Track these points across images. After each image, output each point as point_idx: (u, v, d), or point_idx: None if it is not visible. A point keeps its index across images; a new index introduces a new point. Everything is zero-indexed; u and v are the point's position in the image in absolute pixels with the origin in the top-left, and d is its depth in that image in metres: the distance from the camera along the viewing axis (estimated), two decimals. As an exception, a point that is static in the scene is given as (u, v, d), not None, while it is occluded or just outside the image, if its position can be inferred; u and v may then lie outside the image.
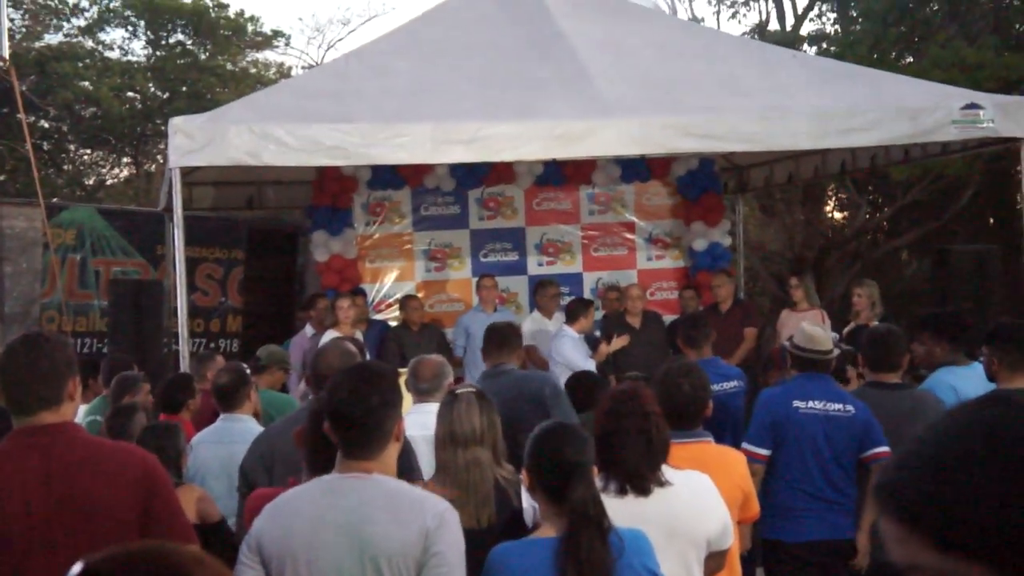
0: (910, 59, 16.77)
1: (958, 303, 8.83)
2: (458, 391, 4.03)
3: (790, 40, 16.80)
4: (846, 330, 8.92)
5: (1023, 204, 8.81)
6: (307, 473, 3.26)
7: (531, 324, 10.21)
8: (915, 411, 5.36)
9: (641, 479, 3.48)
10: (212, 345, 12.24)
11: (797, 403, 5.38)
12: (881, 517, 1.19)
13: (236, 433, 5.23)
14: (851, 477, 5.31)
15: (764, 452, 5.27)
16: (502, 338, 6.21)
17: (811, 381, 5.45)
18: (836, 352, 5.72)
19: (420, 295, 10.91)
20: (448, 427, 3.93)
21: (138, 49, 23.34)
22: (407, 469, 3.68)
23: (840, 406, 5.33)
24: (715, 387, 5.39)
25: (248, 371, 5.65)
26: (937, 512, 1.12)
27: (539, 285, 10.65)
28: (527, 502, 4.01)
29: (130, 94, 22.34)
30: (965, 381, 5.78)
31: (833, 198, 20.27)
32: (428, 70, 8.86)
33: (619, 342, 9.39)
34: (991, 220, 18.28)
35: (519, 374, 6.08)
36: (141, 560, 1.39)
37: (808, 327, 5.71)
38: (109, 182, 23.84)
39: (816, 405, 5.37)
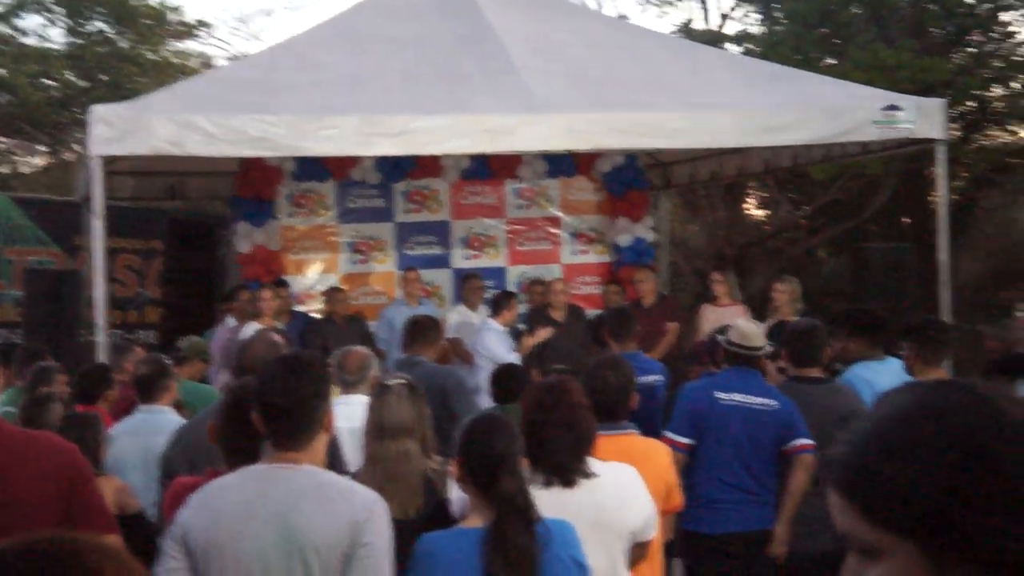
0: (831, 61, 17.06)
1: (874, 300, 9.00)
2: (389, 382, 4.03)
3: (715, 39, 16.98)
4: (765, 325, 9.03)
5: (937, 204, 8.98)
6: (226, 467, 3.23)
7: (456, 317, 10.23)
8: (837, 404, 5.47)
9: (567, 471, 3.50)
10: (130, 336, 12.01)
11: (719, 394, 5.47)
12: (828, 486, 1.24)
13: (155, 425, 5.16)
14: (772, 469, 5.39)
15: (685, 441, 5.34)
16: (417, 330, 6.31)
17: (737, 374, 5.55)
18: (769, 350, 5.79)
19: (344, 287, 10.84)
20: (378, 418, 3.93)
21: (56, 37, 22.80)
22: (333, 461, 3.66)
23: (763, 400, 5.41)
24: (638, 380, 5.44)
25: (168, 362, 5.57)
26: (874, 487, 1.16)
27: (464, 278, 10.67)
28: (455, 493, 4.02)
29: (47, 82, 21.83)
30: (880, 375, 5.91)
31: (754, 196, 20.56)
32: (356, 63, 8.80)
33: (542, 334, 9.43)
34: (904, 220, 18.67)
35: (429, 367, 6.15)
36: (45, 551, 1.36)
37: (743, 324, 5.82)
38: (25, 171, 23.29)
39: (737, 397, 5.46)
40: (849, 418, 5.37)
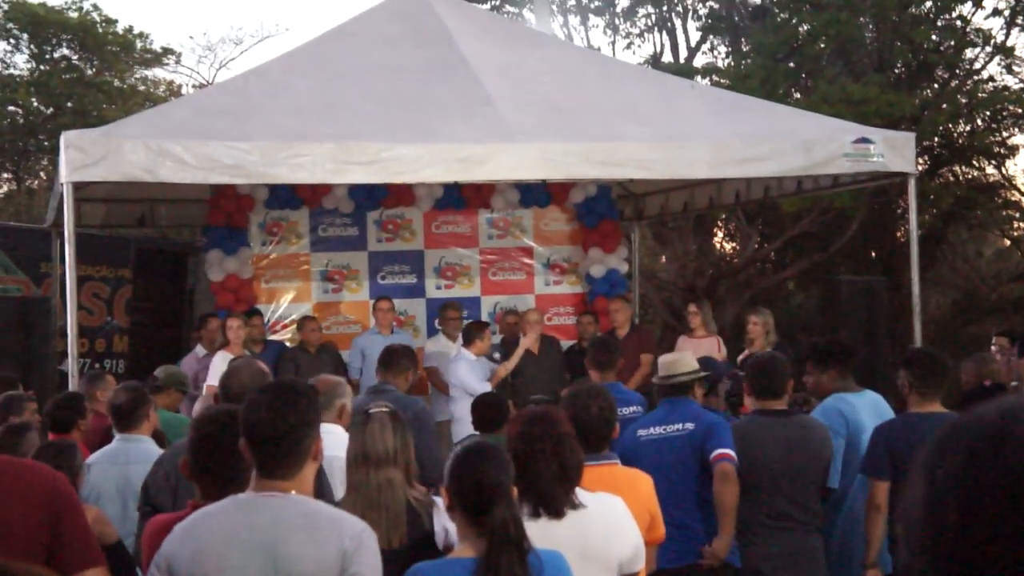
0: (798, 95, 17.23)
1: (847, 333, 9.04)
2: (371, 411, 3.98)
3: (684, 72, 17.09)
4: (740, 358, 9.06)
5: (910, 236, 9.05)
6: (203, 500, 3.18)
7: (433, 347, 10.20)
8: (803, 438, 5.45)
9: (555, 501, 3.46)
10: (97, 365, 11.87)
11: (640, 432, 5.49)
12: None
13: (133, 454, 5.08)
14: (693, 496, 5.31)
15: None
16: (390, 358, 6.30)
17: (664, 407, 5.57)
18: (693, 375, 5.73)
19: (316, 316, 10.77)
20: (361, 447, 3.88)
21: (21, 63, 22.63)
22: (321, 490, 3.61)
23: (679, 426, 5.40)
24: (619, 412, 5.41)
25: (147, 391, 5.49)
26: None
27: (442, 308, 10.66)
28: (438, 524, 3.97)
29: (12, 108, 21.67)
30: (854, 408, 5.92)
31: (723, 228, 20.67)
32: (329, 90, 8.78)
33: (512, 361, 9.42)
34: (872, 253, 18.83)
35: (396, 395, 6.08)
36: None
37: (665, 357, 5.82)
38: (-11, 198, 23.07)
39: (656, 430, 5.46)
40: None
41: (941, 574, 1.11)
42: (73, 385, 7.03)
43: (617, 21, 20.58)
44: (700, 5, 19.92)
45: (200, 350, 9.99)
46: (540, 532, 3.21)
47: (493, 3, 19.32)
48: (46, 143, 21.09)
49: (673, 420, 5.47)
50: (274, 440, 2.84)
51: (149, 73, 24.65)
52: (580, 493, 3.54)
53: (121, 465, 5.05)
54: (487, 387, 8.61)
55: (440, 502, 3.68)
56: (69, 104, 21.35)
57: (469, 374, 9.00)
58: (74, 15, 22.12)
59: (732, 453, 5.23)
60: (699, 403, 5.68)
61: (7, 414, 5.81)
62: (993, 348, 8.83)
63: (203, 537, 2.80)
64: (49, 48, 22.38)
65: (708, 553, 5.26)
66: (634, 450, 5.36)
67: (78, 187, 7.67)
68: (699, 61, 20.10)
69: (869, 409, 5.96)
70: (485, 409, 6.13)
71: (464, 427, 7.28)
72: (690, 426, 5.40)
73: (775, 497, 5.37)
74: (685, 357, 5.80)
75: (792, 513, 5.39)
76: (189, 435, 3.43)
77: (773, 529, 5.36)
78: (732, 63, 19.14)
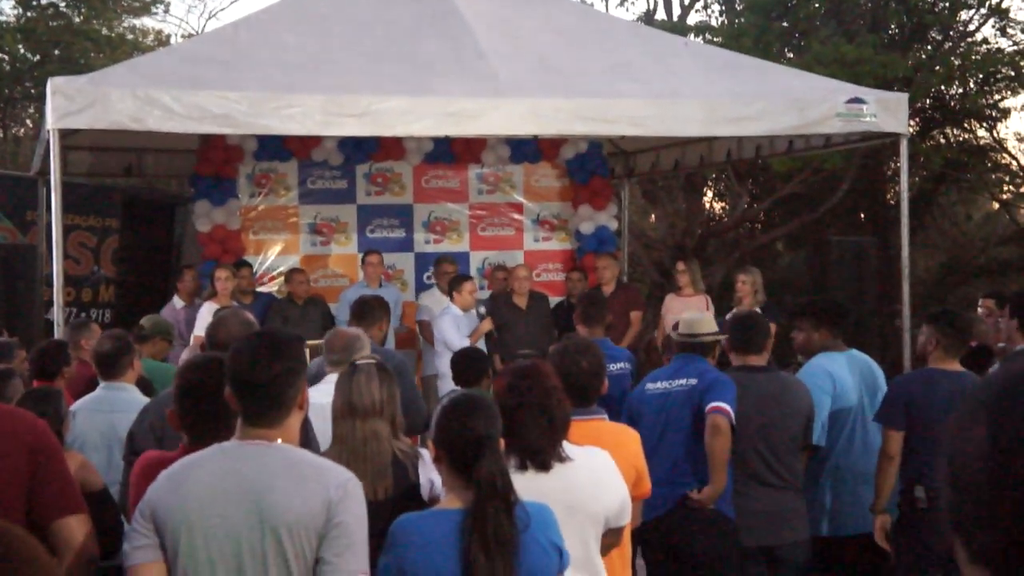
0: (791, 55, 17.15)
1: (836, 293, 9.06)
2: (358, 362, 3.97)
3: (677, 30, 16.98)
4: (728, 316, 9.07)
5: (900, 198, 9.04)
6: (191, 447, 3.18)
7: (427, 300, 10.18)
8: (782, 394, 5.47)
9: (542, 454, 3.46)
10: (83, 315, 11.83)
11: (649, 385, 5.55)
12: None
13: (117, 402, 5.07)
14: (683, 451, 5.32)
15: None
16: (363, 310, 6.24)
17: (677, 362, 5.61)
18: (719, 335, 5.80)
19: (304, 269, 10.74)
20: (347, 398, 3.87)
21: (7, 9, 22.41)
22: (306, 440, 3.60)
23: (683, 381, 5.43)
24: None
25: (131, 339, 5.46)
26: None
27: (436, 262, 10.66)
28: (424, 476, 3.97)
29: (-2, 55, 21.45)
30: (841, 367, 5.94)
31: (713, 188, 20.64)
32: (320, 42, 8.70)
33: (484, 326, 9.37)
34: (862, 215, 18.84)
35: (372, 347, 6.02)
36: None
37: (689, 316, 5.87)
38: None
39: (662, 385, 5.51)
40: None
41: (1007, 525, 1.13)
42: (59, 334, 7.00)
43: (611, -23, 20.43)
44: (694, -38, 19.78)
45: (177, 301, 9.98)
46: (527, 484, 3.22)
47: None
48: (32, 91, 20.89)
49: (680, 376, 5.50)
50: (259, 388, 2.83)
51: (137, 22, 24.43)
52: (567, 446, 3.54)
53: (105, 413, 5.04)
54: (466, 342, 8.59)
55: (426, 454, 3.68)
56: (56, 52, 21.12)
57: (450, 329, 8.99)
58: (62, -39, 21.84)
59: (727, 407, 5.23)
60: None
61: (-4, 361, 5.78)
62: (980, 310, 8.83)
63: (188, 484, 2.79)
64: (37, -6, 22.11)
65: (695, 497, 5.30)
66: (640, 402, 5.46)
67: (64, 135, 7.62)
68: (692, 19, 20.00)
69: (855, 368, 5.99)
70: (464, 364, 6.14)
71: (448, 383, 7.28)
72: (693, 382, 5.41)
73: (752, 454, 5.38)
74: (707, 318, 5.83)
75: (769, 469, 5.40)
76: (174, 383, 3.42)
77: (750, 487, 5.37)
78: (725, 21, 19.03)
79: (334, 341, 5.05)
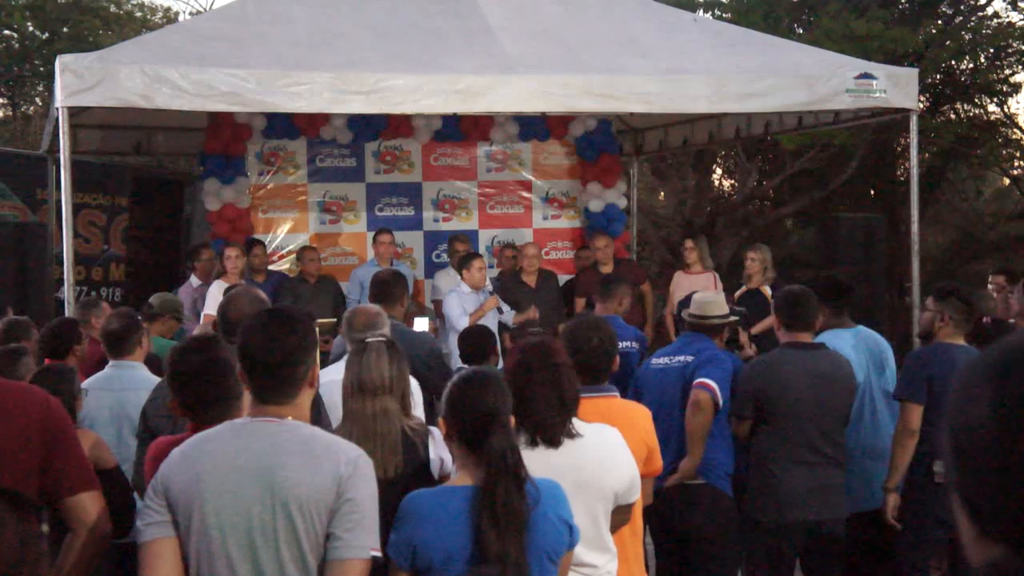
0: (801, 31, 17.06)
1: (845, 270, 9.03)
2: (368, 340, 3.98)
3: (685, 5, 16.90)
4: (738, 294, 9.06)
5: (910, 174, 9.00)
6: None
7: (443, 279, 10.13)
8: (832, 371, 5.43)
9: (552, 431, 3.47)
10: (93, 293, 11.86)
11: (654, 361, 5.65)
12: None
13: (126, 380, 5.09)
14: (676, 428, 5.36)
15: None
16: (383, 289, 6.19)
17: (684, 340, 5.70)
18: (729, 318, 5.81)
19: (316, 247, 10.74)
20: (357, 376, 3.88)
21: (15, -14, 22.30)
22: (316, 418, 3.62)
23: (682, 358, 5.50)
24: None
25: (140, 317, 5.47)
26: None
27: (450, 240, 10.63)
28: (434, 453, 3.99)
29: (7, 32, 21.42)
30: (846, 344, 5.92)
31: (722, 165, 20.58)
32: (329, 19, 8.68)
33: (488, 304, 9.30)
34: (872, 191, 18.77)
35: (400, 328, 6.00)
36: None
37: (701, 296, 5.88)
38: (-17, 123, 22.88)
39: (663, 360, 5.59)
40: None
41: (1020, 498, 1.12)
42: (69, 312, 7.02)
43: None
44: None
45: (195, 280, 9.98)
46: (537, 461, 3.23)
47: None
48: (42, 68, 20.88)
49: (681, 353, 5.58)
50: (271, 366, 2.83)
51: (146, -1, 24.31)
52: (577, 423, 3.55)
53: (115, 391, 5.06)
54: (466, 322, 8.55)
55: (436, 432, 3.70)
56: (65, 29, 21.10)
57: (455, 309, 8.95)
58: (70, -62, 21.77)
59: (713, 384, 5.28)
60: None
61: (10, 340, 5.79)
62: (990, 286, 8.82)
63: (200, 461, 2.80)
64: (45, -28, 22.06)
65: (675, 476, 5.34)
66: (644, 377, 5.56)
67: (73, 112, 7.62)
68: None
69: (861, 345, 5.98)
70: (469, 342, 6.16)
71: (454, 361, 7.29)
72: (689, 359, 5.46)
73: (801, 431, 5.35)
74: (719, 300, 5.83)
75: (818, 447, 5.36)
76: (167, 371, 3.43)
77: (799, 463, 5.34)
78: (735, -3, 18.91)
79: (355, 319, 5.04)
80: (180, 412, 3.37)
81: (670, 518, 5.37)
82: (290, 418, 2.85)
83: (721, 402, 5.33)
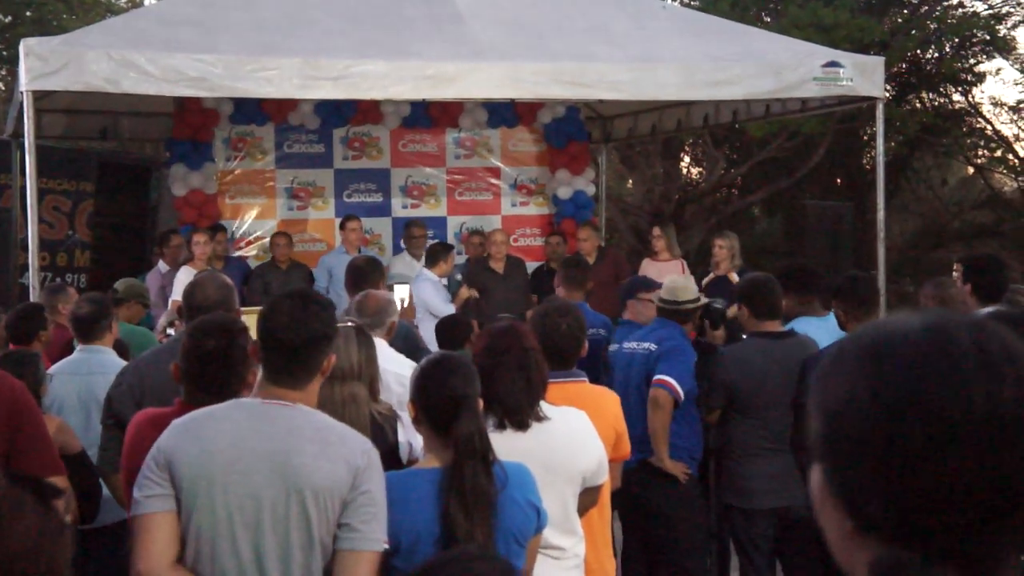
0: (768, 19, 17.13)
1: (812, 257, 9.10)
2: (338, 324, 3.96)
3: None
4: (705, 281, 9.10)
5: (877, 162, 9.09)
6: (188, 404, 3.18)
7: (399, 266, 10.14)
8: (800, 359, 5.46)
9: (520, 414, 3.48)
10: (58, 279, 11.74)
11: (626, 344, 5.71)
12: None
13: (95, 365, 5.05)
14: (639, 414, 5.39)
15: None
16: (359, 275, 6.16)
17: (652, 325, 5.76)
18: (700, 302, 5.85)
19: (286, 233, 10.70)
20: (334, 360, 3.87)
21: (-21, -30, 22.03)
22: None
23: (646, 345, 5.57)
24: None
25: (109, 302, 5.44)
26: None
27: (407, 226, 10.61)
28: (403, 437, 4.00)
29: (-31, 16, 21.18)
30: (819, 331, 5.95)
31: (690, 153, 20.65)
32: (298, 5, 8.65)
33: (463, 293, 9.32)
34: (838, 180, 18.90)
35: None
36: None
37: (673, 280, 5.96)
38: (-54, 108, 22.60)
39: (629, 345, 5.67)
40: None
41: (902, 489, 1.06)
42: (34, 298, 6.96)
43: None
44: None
45: (163, 266, 9.92)
46: (505, 444, 3.24)
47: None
48: (4, 53, 20.64)
49: (647, 339, 5.63)
50: (292, 348, 2.83)
51: (111, -16, 24.06)
52: (544, 406, 3.57)
53: (83, 376, 5.03)
54: (451, 308, 8.59)
55: (405, 416, 3.70)
56: (28, 13, 20.87)
57: (435, 296, 8.97)
58: (34, -79, 21.51)
59: (671, 380, 5.34)
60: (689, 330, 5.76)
61: (-31, 325, 5.75)
62: (955, 274, 8.90)
63: (209, 437, 2.77)
64: (8, -46, 21.80)
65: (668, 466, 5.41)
66: (613, 358, 5.65)
67: (38, 96, 7.56)
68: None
69: (832, 333, 6.01)
70: (449, 328, 6.17)
71: (433, 348, 7.29)
72: (652, 347, 5.50)
73: (770, 420, 5.38)
74: (690, 284, 5.86)
75: (787, 435, 5.41)
76: (184, 341, 3.40)
77: (772, 451, 5.38)
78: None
79: (366, 305, 5.02)
80: (179, 380, 3.33)
81: (635, 492, 5.40)
82: (300, 404, 2.84)
83: (682, 394, 5.39)
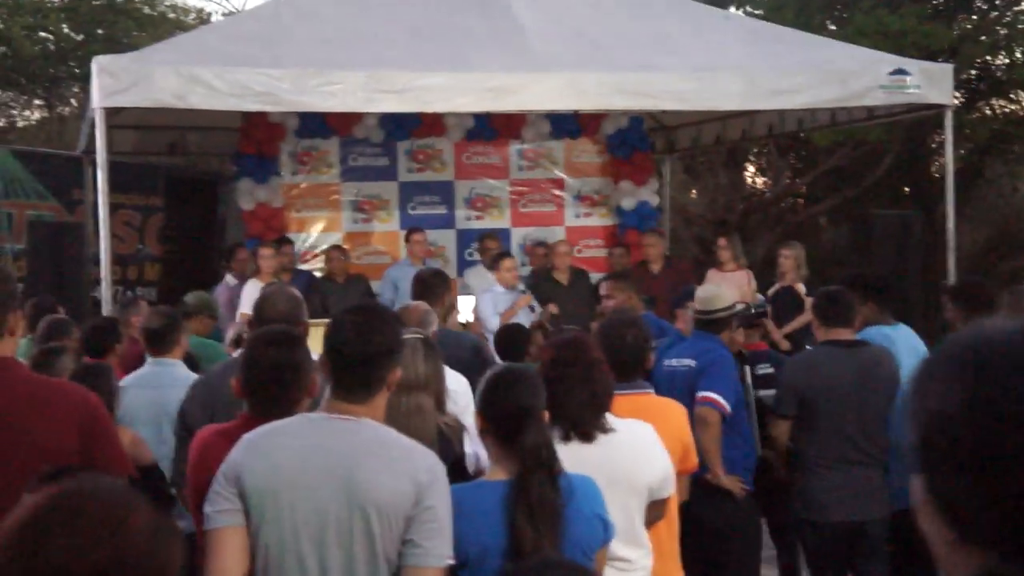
0: (833, 27, 16.95)
1: (879, 267, 8.97)
2: (404, 336, 3.99)
3: (717, 3, 16.85)
4: (771, 291, 9.04)
5: (946, 171, 8.95)
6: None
7: (474, 279, 10.11)
8: (873, 368, 5.39)
9: (585, 426, 3.48)
10: (129, 293, 11.96)
11: (665, 361, 5.61)
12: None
13: (165, 377, 5.13)
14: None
15: None
16: (424, 288, 6.17)
17: (692, 339, 5.68)
18: (736, 309, 5.76)
19: (346, 246, 10.79)
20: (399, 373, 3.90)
21: (52, -11, 22.52)
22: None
23: (686, 361, 5.48)
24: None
25: (179, 316, 5.53)
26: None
27: (480, 239, 10.63)
28: (469, 448, 4.01)
29: (43, 34, 21.63)
30: (891, 340, 5.87)
31: (755, 162, 20.49)
32: (361, 19, 8.74)
33: (520, 302, 9.26)
34: (906, 189, 18.63)
35: (441, 329, 5.95)
36: (67, 508, 1.39)
37: (703, 290, 5.88)
38: (20, 124, 23.11)
39: (672, 362, 5.59)
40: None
41: (1009, 498, 1.03)
42: (106, 311, 7.09)
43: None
44: (735, -66, 19.56)
45: (231, 279, 10.05)
46: (570, 455, 3.23)
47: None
48: (77, 70, 21.06)
49: (685, 354, 5.57)
50: (357, 363, 2.84)
51: (179, 0, 24.50)
52: (610, 418, 3.56)
53: (154, 388, 5.10)
54: (497, 321, 8.52)
55: (472, 427, 3.71)
56: (99, 31, 21.30)
57: (487, 308, 8.95)
58: (104, -59, 21.96)
59: (717, 397, 5.28)
60: (728, 339, 5.68)
61: (51, 338, 5.84)
62: (1027, 284, 8.74)
63: (276, 453, 2.79)
64: (80, -26, 22.25)
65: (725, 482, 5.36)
66: (658, 377, 5.48)
67: (109, 113, 7.70)
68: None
69: (903, 342, 5.93)
70: (505, 340, 6.17)
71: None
72: (692, 363, 5.45)
73: (843, 430, 5.33)
74: (723, 292, 5.80)
75: (860, 446, 5.35)
76: (243, 354, 3.43)
77: (840, 463, 5.34)
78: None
79: (406, 316, 5.06)
80: (240, 395, 3.36)
81: (689, 514, 5.37)
82: (365, 419, 2.85)
83: (729, 408, 5.33)
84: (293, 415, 3.06)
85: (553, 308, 9.12)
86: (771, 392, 5.89)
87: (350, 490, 2.73)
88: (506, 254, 9.63)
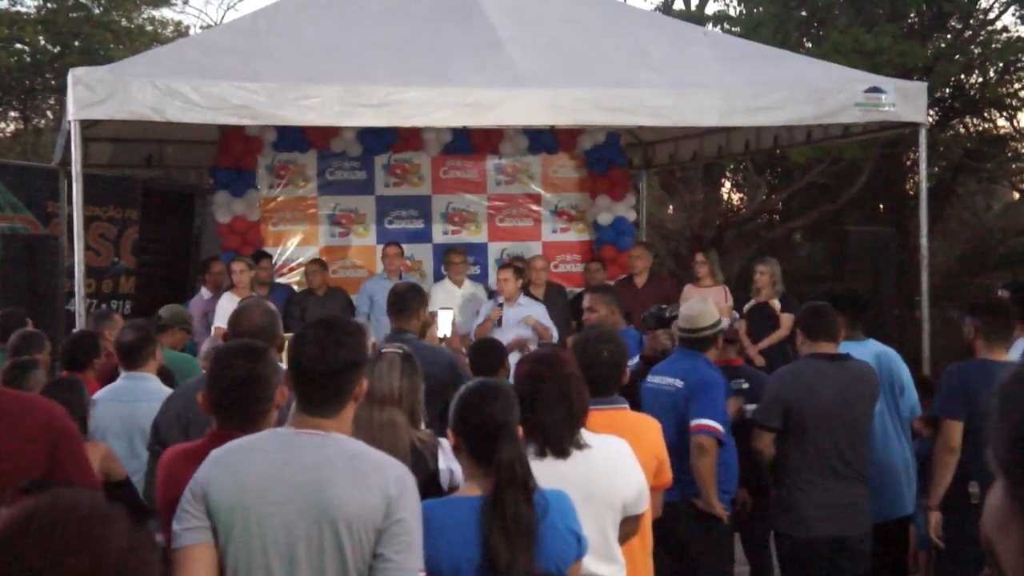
0: (810, 45, 17.07)
1: (854, 283, 9.02)
2: (384, 350, 3.98)
3: (695, 19, 16.94)
4: (746, 307, 9.07)
5: (920, 188, 9.02)
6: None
7: (440, 293, 10.11)
8: (856, 383, 5.43)
9: (560, 441, 3.47)
10: (103, 306, 11.89)
11: (649, 378, 5.60)
12: None
13: (139, 392, 5.10)
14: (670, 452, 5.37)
15: None
16: (400, 302, 6.13)
17: (676, 356, 5.64)
18: (719, 328, 5.74)
19: (320, 259, 10.76)
20: (367, 384, 3.88)
21: (28, 1, 22.46)
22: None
23: (672, 381, 5.45)
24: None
25: (153, 330, 5.49)
26: None
27: (446, 253, 10.63)
28: (443, 464, 3.99)
29: (18, 46, 21.52)
30: (862, 356, 5.91)
31: (731, 178, 20.58)
32: (339, 32, 8.73)
33: (494, 315, 9.26)
34: (881, 205, 18.75)
35: (417, 344, 5.92)
36: (44, 520, 1.38)
37: (688, 307, 5.83)
38: (-5, 136, 23.01)
39: (656, 380, 5.55)
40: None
41: None
42: (80, 324, 7.05)
43: (629, -33, 20.33)
44: (713, -49, 19.70)
45: (205, 292, 10.01)
46: (545, 471, 3.23)
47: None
48: (53, 82, 20.98)
49: (670, 373, 5.53)
50: (321, 376, 2.82)
51: (157, 13, 24.42)
52: (585, 434, 3.55)
53: (127, 403, 5.07)
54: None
55: (446, 443, 3.70)
56: (76, 43, 21.20)
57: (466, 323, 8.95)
58: (81, -47, 21.88)
59: (713, 424, 5.25)
60: (713, 356, 5.67)
61: (23, 351, 5.80)
62: (1000, 301, 8.79)
63: (243, 468, 2.77)
64: (56, -14, 22.16)
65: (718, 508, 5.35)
66: (643, 393, 5.50)
67: (85, 125, 7.68)
68: (710, 8, 20.00)
69: (872, 359, 5.96)
70: (480, 354, 6.13)
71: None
72: (679, 384, 5.42)
73: (827, 443, 5.35)
74: (708, 309, 5.75)
75: (846, 460, 5.37)
76: (208, 369, 3.42)
77: (824, 476, 5.35)
78: (744, 11, 18.93)
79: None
80: (208, 409, 3.34)
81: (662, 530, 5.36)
82: (334, 432, 2.84)
83: (723, 432, 5.33)
84: (261, 428, 3.04)
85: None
86: (749, 407, 5.91)
87: (319, 505, 2.72)
88: (506, 265, 9.59)
